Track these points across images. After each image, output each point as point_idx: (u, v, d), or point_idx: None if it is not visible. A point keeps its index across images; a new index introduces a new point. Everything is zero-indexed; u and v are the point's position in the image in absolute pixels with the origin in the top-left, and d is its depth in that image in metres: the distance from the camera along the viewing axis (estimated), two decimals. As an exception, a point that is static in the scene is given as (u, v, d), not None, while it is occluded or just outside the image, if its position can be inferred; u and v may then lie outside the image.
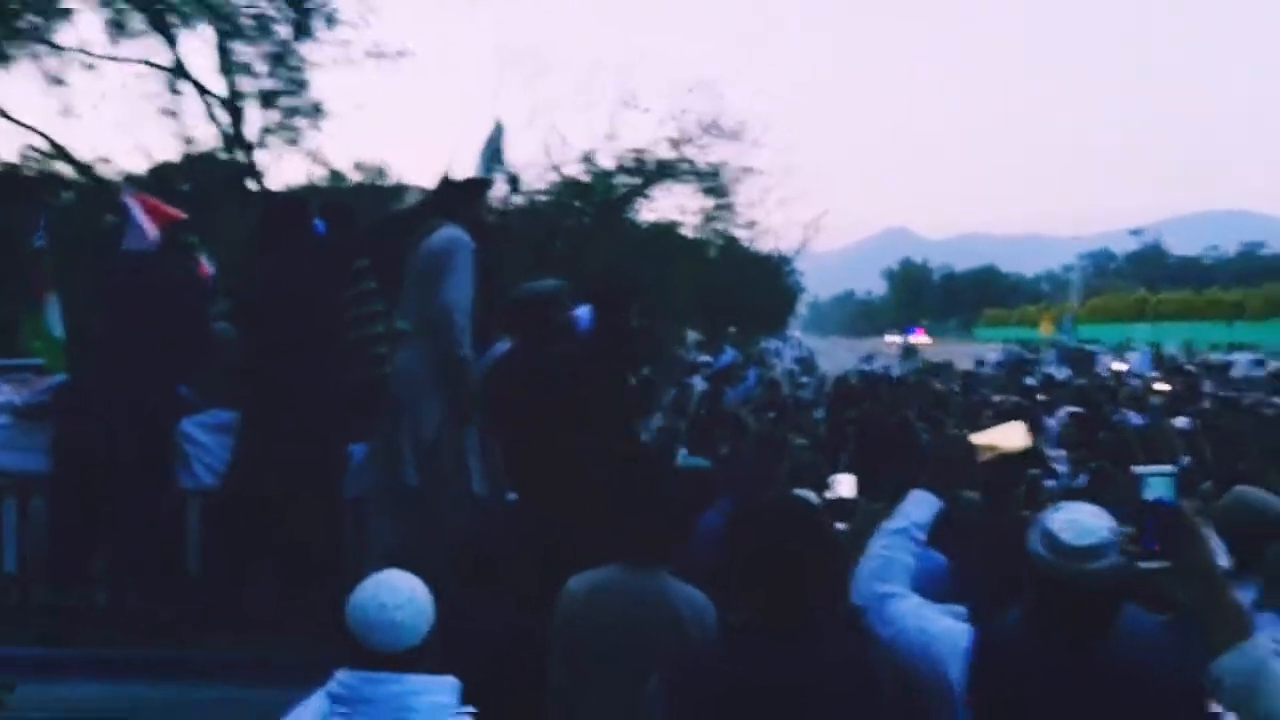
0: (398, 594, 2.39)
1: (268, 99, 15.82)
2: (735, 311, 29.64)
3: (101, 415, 4.27)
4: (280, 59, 15.61)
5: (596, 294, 4.48)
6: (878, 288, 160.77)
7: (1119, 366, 22.19)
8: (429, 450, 4.23)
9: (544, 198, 19.97)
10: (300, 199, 10.72)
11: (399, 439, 4.24)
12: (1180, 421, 9.38)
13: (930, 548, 2.93)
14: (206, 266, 5.53)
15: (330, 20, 15.47)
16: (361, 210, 6.28)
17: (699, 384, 12.71)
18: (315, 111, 16.27)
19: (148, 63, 15.22)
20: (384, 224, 4.92)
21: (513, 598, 3.19)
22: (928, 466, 2.69)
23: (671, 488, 3.57)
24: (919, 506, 2.54)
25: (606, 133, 19.26)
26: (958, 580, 3.30)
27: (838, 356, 41.26)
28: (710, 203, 21.62)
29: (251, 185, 15.83)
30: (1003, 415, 7.99)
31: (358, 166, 19.40)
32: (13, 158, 14.77)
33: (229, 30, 15.20)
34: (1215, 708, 1.93)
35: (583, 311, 4.45)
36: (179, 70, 15.31)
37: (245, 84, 15.71)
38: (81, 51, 14.95)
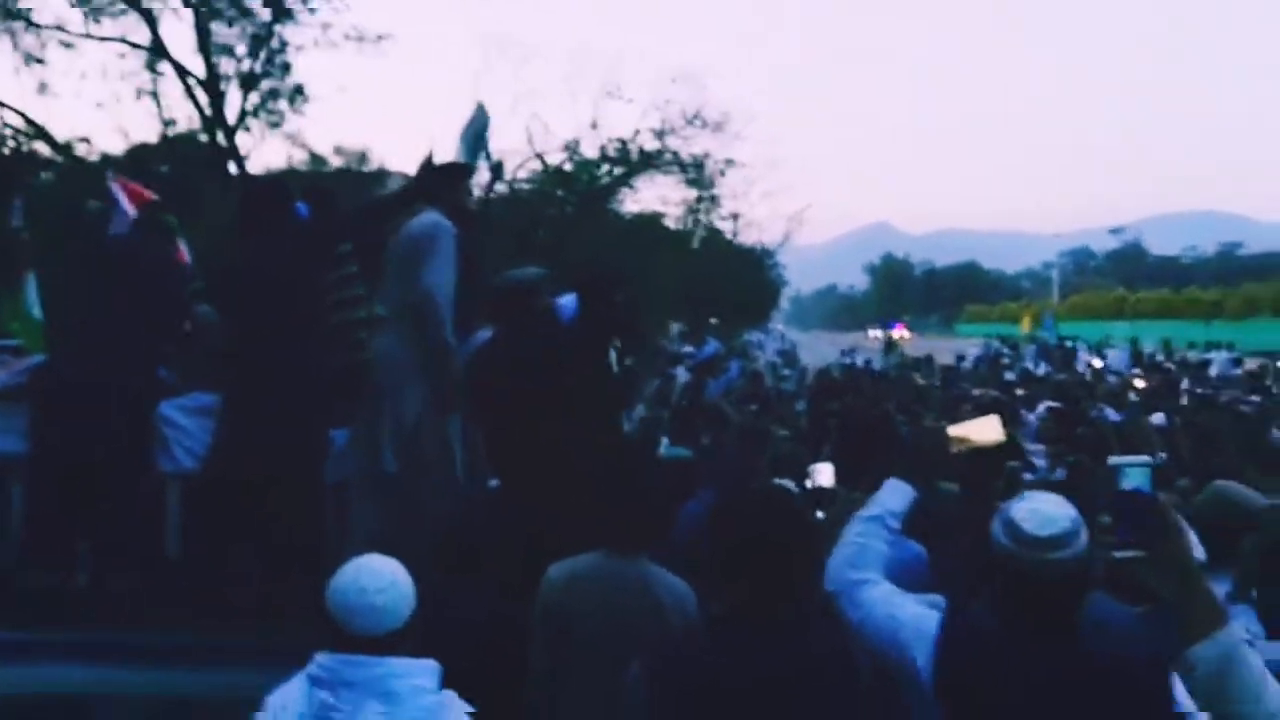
0: (379, 578, 2.40)
1: (248, 81, 15.69)
2: (718, 303, 29.71)
3: (81, 397, 4.24)
4: (261, 40, 15.49)
5: (581, 283, 4.48)
6: (860, 282, 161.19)
7: (1097, 363, 22.37)
8: (410, 436, 4.22)
9: (527, 186, 19.93)
10: (281, 182, 10.65)
11: (379, 424, 4.23)
12: (1157, 418, 9.47)
13: (908, 538, 2.95)
14: (184, 251, 5.48)
15: (306, 1, 15.36)
16: (343, 195, 6.23)
17: (682, 375, 12.72)
18: (296, 95, 16.16)
19: (125, 40, 15.08)
20: (366, 208, 4.89)
21: (494, 584, 3.20)
22: (903, 456, 2.70)
23: (653, 477, 3.59)
24: (894, 495, 2.54)
25: (590, 121, 19.26)
26: (935, 572, 3.34)
27: (819, 350, 41.34)
28: (693, 194, 21.66)
29: (232, 168, 15.71)
30: (981, 409, 8.04)
31: (339, 151, 19.31)
32: (-11, 137, 14.64)
33: (207, 10, 15.06)
34: (1184, 705, 1.94)
35: (567, 300, 4.44)
36: (158, 49, 15.16)
37: (226, 65, 15.58)
38: (59, 29, 14.79)
